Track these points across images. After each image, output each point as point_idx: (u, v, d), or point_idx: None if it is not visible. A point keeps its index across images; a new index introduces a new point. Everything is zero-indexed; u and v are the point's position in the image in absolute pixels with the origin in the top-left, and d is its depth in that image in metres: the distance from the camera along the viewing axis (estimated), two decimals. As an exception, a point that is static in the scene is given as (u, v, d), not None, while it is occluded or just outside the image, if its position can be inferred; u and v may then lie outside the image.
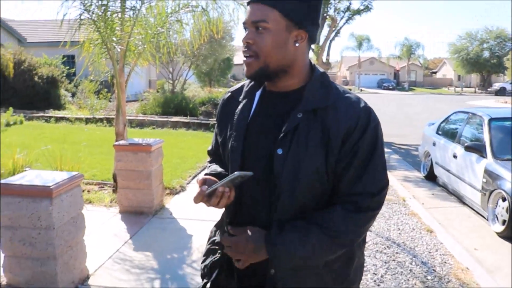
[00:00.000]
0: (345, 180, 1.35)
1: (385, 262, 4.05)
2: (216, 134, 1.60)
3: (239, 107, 1.49)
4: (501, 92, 46.00)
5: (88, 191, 5.85)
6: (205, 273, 1.57)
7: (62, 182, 3.15)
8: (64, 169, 5.71)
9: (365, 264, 3.99)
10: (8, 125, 11.91)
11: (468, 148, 5.91)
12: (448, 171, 6.72)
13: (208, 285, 1.54)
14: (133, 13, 5.64)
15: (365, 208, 1.35)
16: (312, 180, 1.35)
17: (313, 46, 13.55)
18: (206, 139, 10.42)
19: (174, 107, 15.52)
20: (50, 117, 13.84)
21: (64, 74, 18.09)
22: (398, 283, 3.68)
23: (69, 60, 19.59)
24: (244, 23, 1.39)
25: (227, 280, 1.50)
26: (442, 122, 7.71)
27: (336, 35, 15.98)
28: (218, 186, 1.33)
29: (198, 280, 3.48)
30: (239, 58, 23.27)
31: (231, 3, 5.81)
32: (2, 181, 3.20)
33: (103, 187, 6.13)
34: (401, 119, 18.86)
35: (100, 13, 5.41)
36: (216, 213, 1.63)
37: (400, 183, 7.24)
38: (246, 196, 1.43)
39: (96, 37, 5.63)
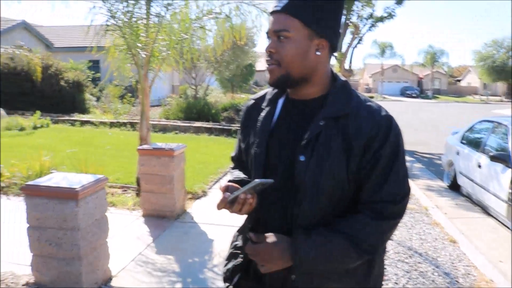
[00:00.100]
0: (366, 188, 1.36)
1: (407, 272, 4.00)
2: (240, 140, 1.63)
3: (262, 114, 1.51)
4: (528, 100, 45.06)
5: (112, 194, 5.95)
6: (227, 277, 1.59)
7: (88, 185, 3.22)
8: (89, 172, 5.80)
9: (386, 273, 3.97)
10: (35, 127, 12.23)
11: (493, 158, 5.80)
12: (472, 180, 6.59)
13: (230, 288, 1.55)
14: (157, 20, 5.73)
15: (387, 216, 1.36)
16: (333, 187, 1.36)
17: (335, 53, 13.44)
18: (228, 145, 10.48)
19: (197, 113, 15.59)
20: (75, 120, 14.12)
21: (90, 79, 18.50)
22: (419, 293, 3.63)
23: (95, 65, 19.95)
24: (267, 33, 1.41)
25: (248, 284, 1.52)
26: (466, 131, 7.58)
27: (359, 42, 15.87)
28: (240, 193, 1.35)
29: (219, 284, 3.53)
30: (261, 64, 23.33)
31: (254, 10, 5.84)
32: (30, 182, 3.30)
33: (126, 190, 6.22)
34: (425, 127, 18.61)
35: (125, 20, 5.52)
36: (237, 219, 1.65)
37: (423, 192, 7.14)
38: (265, 203, 1.44)
39: (122, 43, 5.75)
